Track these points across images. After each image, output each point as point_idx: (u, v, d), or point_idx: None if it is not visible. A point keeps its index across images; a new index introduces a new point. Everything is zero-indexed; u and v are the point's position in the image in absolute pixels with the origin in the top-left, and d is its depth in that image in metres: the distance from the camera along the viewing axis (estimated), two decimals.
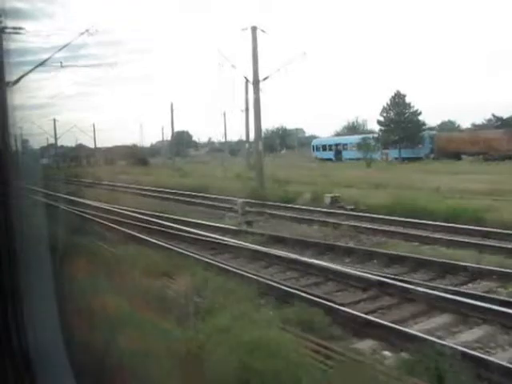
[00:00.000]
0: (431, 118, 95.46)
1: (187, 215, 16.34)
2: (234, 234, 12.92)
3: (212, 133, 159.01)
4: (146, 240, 12.54)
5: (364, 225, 13.04)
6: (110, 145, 75.84)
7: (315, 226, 13.65)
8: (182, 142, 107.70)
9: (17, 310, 1.63)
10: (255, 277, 8.25)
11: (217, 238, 12.12)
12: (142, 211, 17.73)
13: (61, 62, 22.22)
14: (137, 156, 61.17)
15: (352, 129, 73.89)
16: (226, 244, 11.42)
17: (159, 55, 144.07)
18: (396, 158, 49.79)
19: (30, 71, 18.28)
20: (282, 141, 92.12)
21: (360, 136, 60.01)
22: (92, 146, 72.33)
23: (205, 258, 10.07)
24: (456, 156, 45.62)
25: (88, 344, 3.05)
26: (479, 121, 63.80)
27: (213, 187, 23.96)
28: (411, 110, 49.19)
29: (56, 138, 61.08)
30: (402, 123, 48.20)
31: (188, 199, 20.95)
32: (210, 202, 19.51)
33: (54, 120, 60.54)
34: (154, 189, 26.72)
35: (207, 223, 14.57)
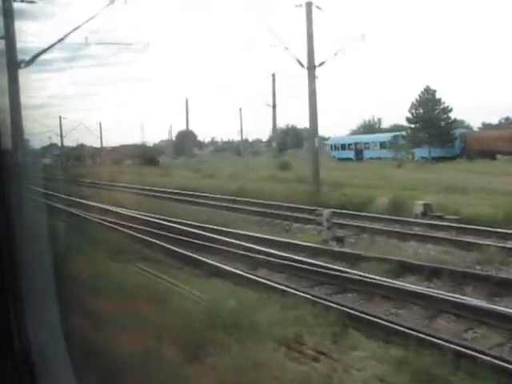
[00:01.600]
0: None
1: (249, 228, 13.17)
2: (330, 256, 9.80)
3: (215, 132, 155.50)
4: (214, 265, 9.45)
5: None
6: (115, 144, 72.50)
7: (429, 245, 10.49)
8: (187, 141, 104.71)
9: (18, 310, 1.60)
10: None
11: (312, 264, 8.98)
12: (185, 221, 14.59)
13: (86, 38, 19.26)
14: (146, 156, 57.88)
15: (368, 127, 70.73)
16: (335, 275, 8.25)
17: (161, 55, 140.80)
18: (425, 158, 46.61)
19: (46, 50, 15.15)
20: (291, 140, 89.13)
21: (383, 135, 57.21)
22: (96, 145, 69.26)
23: (321, 299, 6.94)
24: (490, 155, 42.52)
25: (89, 344, 2.93)
26: (491, 120, 60.65)
27: (254, 191, 20.73)
28: (442, 107, 46.03)
29: (62, 137, 57.84)
30: (432, 120, 45.04)
31: (235, 206, 17.71)
32: (264, 210, 16.32)
33: (60, 117, 57.24)
34: (184, 192, 23.47)
35: (280, 239, 11.42)
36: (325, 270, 8.49)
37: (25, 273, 1.69)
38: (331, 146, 61.19)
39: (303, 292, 7.25)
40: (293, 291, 7.27)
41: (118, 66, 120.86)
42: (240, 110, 59.80)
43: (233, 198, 19.91)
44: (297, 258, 9.59)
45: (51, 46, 15.39)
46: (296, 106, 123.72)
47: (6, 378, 1.58)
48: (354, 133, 71.06)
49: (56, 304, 1.87)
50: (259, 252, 10.24)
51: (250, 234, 12.19)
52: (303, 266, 8.91)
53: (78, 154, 71.49)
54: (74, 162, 63.63)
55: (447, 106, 45.98)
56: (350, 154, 57.30)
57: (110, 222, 15.46)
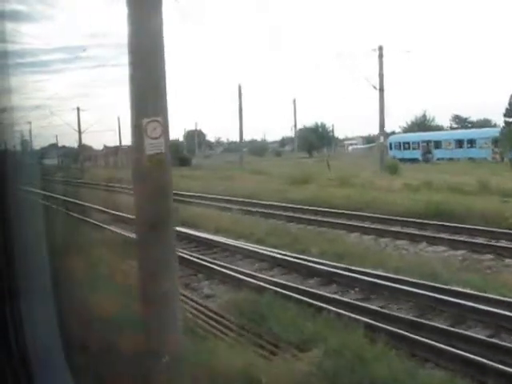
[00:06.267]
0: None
1: None
2: None
3: (218, 131, 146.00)
4: None
5: None
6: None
7: None
8: (200, 140, 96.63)
9: (15, 308, 1.58)
10: None
11: None
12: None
13: None
14: (177, 155, 48.85)
15: (421, 125, 61.97)
16: None
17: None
18: None
19: None
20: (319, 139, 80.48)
21: (459, 132, 49.11)
22: (110, 144, 60.92)
23: None
24: None
25: (85, 344, 2.90)
26: None
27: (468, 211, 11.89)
28: None
29: (80, 134, 49.16)
30: None
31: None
32: None
33: (79, 109, 48.55)
34: (323, 210, 14.54)
35: None
36: None
37: (22, 272, 1.62)
38: (390, 144, 52.74)
39: None
40: None
41: (118, 67, 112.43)
42: (294, 101, 51.14)
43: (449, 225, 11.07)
44: None
45: None
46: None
47: (2, 378, 1.51)
48: (406, 130, 62.65)
49: (53, 303, 1.80)
50: None
51: None
52: None
53: (88, 154, 63.08)
54: (82, 162, 54.87)
55: None
56: (416, 153, 48.99)
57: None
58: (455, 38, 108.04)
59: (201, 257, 9.28)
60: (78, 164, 53.84)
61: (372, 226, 11.76)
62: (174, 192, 16.52)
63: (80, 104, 58.41)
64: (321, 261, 8.48)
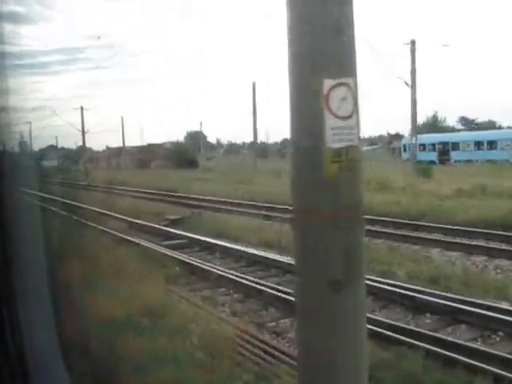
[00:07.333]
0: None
1: None
2: None
3: (217, 132, 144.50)
4: None
5: None
6: (138, 143, 61.94)
7: None
8: (199, 142, 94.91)
9: (12, 311, 1.53)
10: None
11: None
12: None
13: None
14: (184, 156, 47.22)
15: (432, 126, 60.31)
16: None
17: (159, 56, 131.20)
18: None
19: None
20: None
21: (478, 133, 47.43)
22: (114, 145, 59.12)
23: None
24: None
25: (84, 346, 2.86)
26: None
27: None
28: None
29: (84, 134, 47.36)
30: None
31: None
32: None
33: (82, 108, 46.81)
34: None
35: None
36: None
37: (19, 273, 1.59)
38: (404, 146, 51.18)
39: None
40: None
41: (115, 68, 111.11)
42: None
43: None
44: None
45: None
46: None
47: None
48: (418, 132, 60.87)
49: (50, 304, 1.74)
50: None
51: None
52: None
53: (89, 156, 61.22)
54: (84, 164, 53.09)
55: None
56: (432, 155, 47.43)
57: None
58: (455, 38, 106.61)
59: (261, 281, 7.45)
60: (78, 165, 52.16)
61: (450, 240, 9.94)
62: (192, 196, 14.27)
63: (80, 105, 56.47)
64: (421, 289, 6.68)
